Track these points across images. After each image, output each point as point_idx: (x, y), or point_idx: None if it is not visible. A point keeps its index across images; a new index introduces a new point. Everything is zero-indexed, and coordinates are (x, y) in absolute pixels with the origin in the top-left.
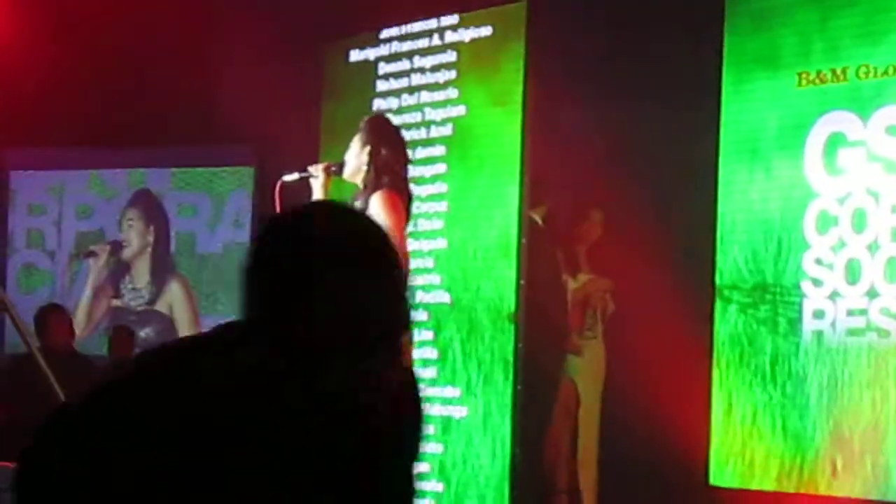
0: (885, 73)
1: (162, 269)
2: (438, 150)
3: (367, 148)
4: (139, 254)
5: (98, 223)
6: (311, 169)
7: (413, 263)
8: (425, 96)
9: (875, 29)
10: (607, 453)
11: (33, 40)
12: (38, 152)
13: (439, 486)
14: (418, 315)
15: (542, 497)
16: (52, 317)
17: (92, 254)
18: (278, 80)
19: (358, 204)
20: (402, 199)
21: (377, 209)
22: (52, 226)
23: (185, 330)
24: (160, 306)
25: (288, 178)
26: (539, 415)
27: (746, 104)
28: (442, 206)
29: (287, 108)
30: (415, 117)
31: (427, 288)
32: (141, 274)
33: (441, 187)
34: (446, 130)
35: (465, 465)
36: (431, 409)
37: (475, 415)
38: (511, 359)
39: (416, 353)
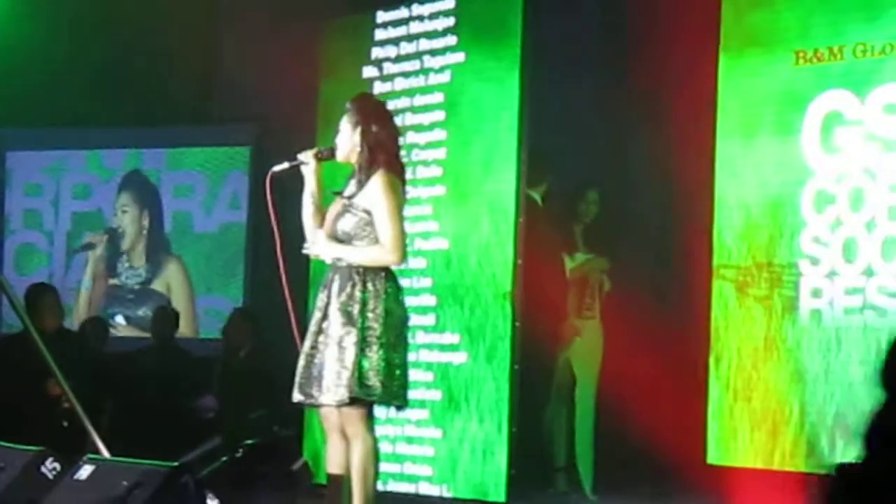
0: (882, 51)
1: (158, 250)
2: (436, 98)
3: (358, 128)
4: (136, 238)
5: (95, 203)
6: (301, 156)
7: (411, 211)
8: (424, 44)
9: (872, 7)
10: (605, 432)
11: (31, 19)
12: (34, 132)
13: (437, 433)
14: (416, 262)
15: (540, 475)
16: (40, 297)
17: (90, 245)
18: (276, 61)
19: (352, 184)
20: (399, 179)
21: (376, 191)
22: (49, 206)
23: (181, 310)
24: (157, 285)
25: (278, 168)
26: (536, 393)
27: (743, 82)
28: (440, 154)
29: (284, 89)
30: (413, 65)
31: (425, 235)
32: (138, 255)
33: (439, 134)
34: (444, 78)
35: (463, 412)
36: (430, 356)
37: (475, 360)
38: (508, 336)
39: (415, 300)
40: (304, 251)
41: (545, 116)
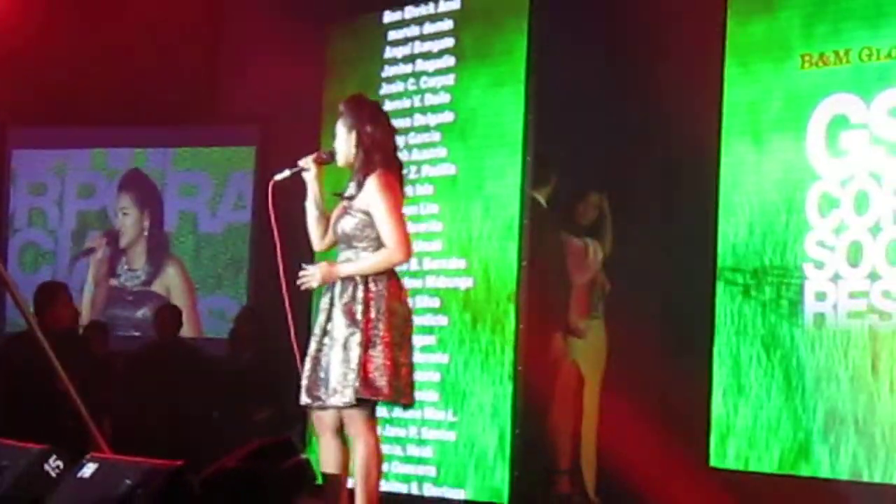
0: (889, 55)
1: (158, 251)
2: (442, 98)
3: (353, 130)
4: (136, 239)
5: (100, 202)
6: (302, 163)
7: (419, 138)
8: (429, 45)
9: (878, 11)
10: (608, 434)
11: (37, 19)
12: (39, 130)
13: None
14: (423, 189)
15: (542, 477)
16: (54, 294)
17: (90, 251)
18: (281, 60)
19: (351, 187)
20: (396, 178)
21: (373, 192)
22: (54, 205)
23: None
24: (156, 287)
25: (279, 176)
26: (539, 394)
27: (749, 85)
28: (445, 155)
29: (289, 88)
30: (418, 66)
31: (433, 161)
32: (137, 256)
33: (444, 136)
34: (449, 79)
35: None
36: (436, 282)
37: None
38: (511, 337)
39: (423, 227)
40: (305, 286)
41: (551, 118)
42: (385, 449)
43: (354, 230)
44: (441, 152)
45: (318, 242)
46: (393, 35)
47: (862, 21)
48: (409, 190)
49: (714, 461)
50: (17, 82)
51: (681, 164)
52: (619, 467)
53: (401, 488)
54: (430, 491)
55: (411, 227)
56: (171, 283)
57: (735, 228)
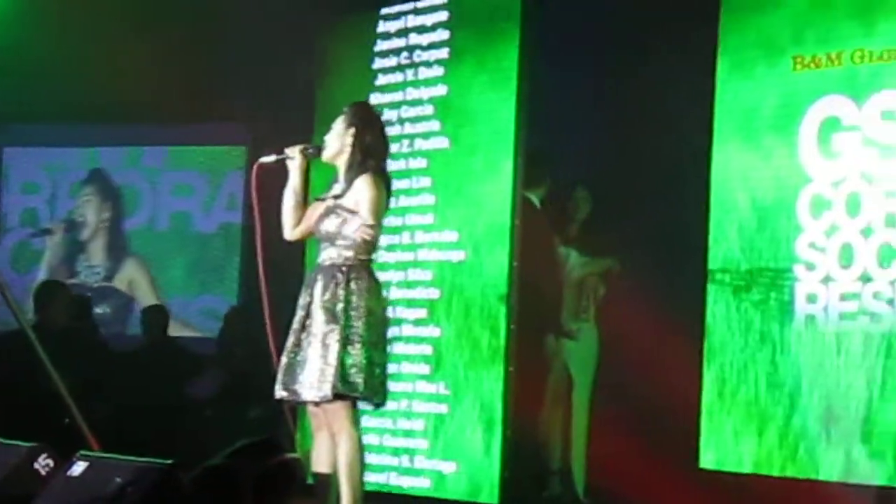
0: (881, 57)
1: (117, 247)
2: (436, 91)
3: (352, 130)
4: (95, 231)
5: None
6: (288, 151)
7: (412, 112)
8: (419, 40)
9: (870, 13)
10: (598, 435)
11: (30, 15)
12: (31, 127)
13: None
14: (416, 162)
15: (534, 478)
16: (54, 293)
17: (47, 231)
18: (274, 59)
19: (338, 185)
20: (384, 185)
21: (363, 190)
22: (45, 204)
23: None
24: (117, 283)
25: (265, 159)
26: (531, 396)
27: (741, 87)
28: (438, 71)
29: (282, 87)
30: (409, 62)
31: (426, 135)
32: (97, 251)
33: (437, 71)
34: (440, 73)
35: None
36: (428, 255)
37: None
38: (503, 339)
39: (416, 200)
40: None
41: (544, 117)
42: (375, 422)
43: (338, 228)
44: (434, 126)
45: (289, 231)
46: (385, 10)
47: (854, 23)
48: (401, 163)
49: (704, 463)
50: (8, 79)
51: (672, 166)
52: (609, 468)
53: (391, 461)
54: (421, 463)
55: (404, 201)
56: (133, 277)
57: (726, 230)
